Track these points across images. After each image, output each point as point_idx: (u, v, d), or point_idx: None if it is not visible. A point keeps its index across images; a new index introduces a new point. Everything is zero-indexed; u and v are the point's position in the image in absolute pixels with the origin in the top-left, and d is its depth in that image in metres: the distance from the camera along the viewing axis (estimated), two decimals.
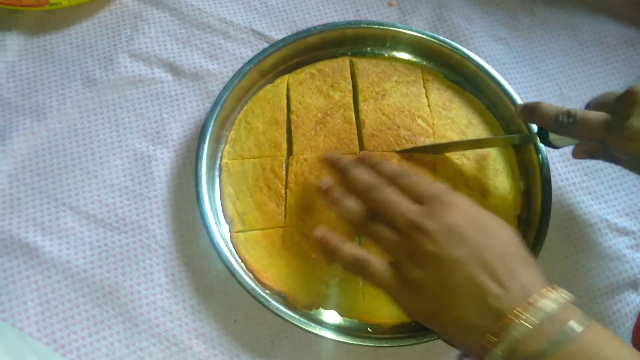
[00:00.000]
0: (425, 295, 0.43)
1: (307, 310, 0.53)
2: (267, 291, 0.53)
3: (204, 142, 0.57)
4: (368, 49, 0.65)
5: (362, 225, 0.48)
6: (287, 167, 0.58)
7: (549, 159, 0.58)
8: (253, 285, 0.52)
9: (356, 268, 0.46)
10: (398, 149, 0.58)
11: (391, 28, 0.63)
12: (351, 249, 0.47)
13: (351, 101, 0.61)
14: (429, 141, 0.59)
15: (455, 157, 0.58)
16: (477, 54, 0.63)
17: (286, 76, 0.62)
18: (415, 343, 0.51)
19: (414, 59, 0.65)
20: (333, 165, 0.52)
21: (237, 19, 0.68)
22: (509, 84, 0.61)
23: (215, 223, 0.55)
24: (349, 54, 0.64)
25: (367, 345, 0.51)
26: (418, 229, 0.43)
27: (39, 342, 0.52)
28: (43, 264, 0.54)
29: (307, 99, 0.61)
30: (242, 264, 0.54)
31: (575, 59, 0.70)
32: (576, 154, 0.57)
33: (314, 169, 0.57)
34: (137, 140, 0.61)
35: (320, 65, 0.63)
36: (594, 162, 0.63)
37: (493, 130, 0.61)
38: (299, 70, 0.63)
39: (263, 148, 0.58)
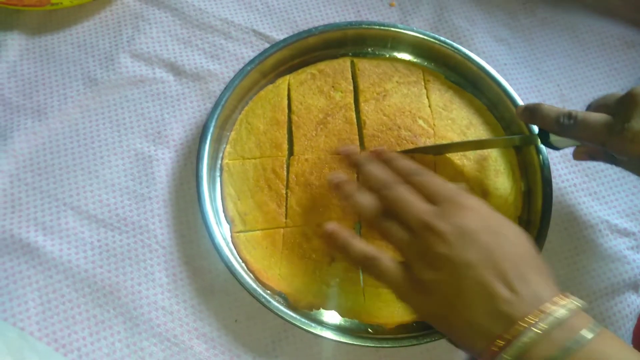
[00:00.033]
0: (435, 296, 0.43)
1: (308, 310, 0.53)
2: (268, 291, 0.53)
3: (205, 143, 0.57)
4: (369, 49, 0.65)
5: (374, 222, 0.47)
6: (288, 168, 0.58)
7: (549, 160, 0.58)
8: (254, 285, 0.52)
9: (366, 265, 0.46)
10: (399, 149, 0.58)
11: (392, 29, 0.63)
12: (361, 245, 0.47)
13: (352, 102, 0.61)
14: (429, 142, 0.59)
15: (456, 157, 0.58)
16: (478, 54, 0.63)
17: (287, 76, 0.62)
18: (416, 344, 0.51)
19: (415, 60, 0.65)
20: (347, 159, 0.53)
21: (238, 19, 0.68)
22: (510, 84, 0.61)
23: (216, 223, 0.55)
24: (350, 54, 0.64)
25: (367, 346, 0.51)
26: (430, 230, 0.43)
27: (40, 341, 0.52)
28: (44, 263, 0.55)
29: (308, 99, 0.61)
30: (243, 264, 0.54)
31: (576, 60, 0.70)
32: (577, 156, 0.57)
33: (314, 170, 0.57)
34: (138, 140, 0.61)
35: (322, 65, 0.63)
36: (595, 163, 0.63)
37: (494, 130, 0.61)
38: (300, 71, 0.63)
39: (264, 148, 0.59)
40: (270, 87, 0.62)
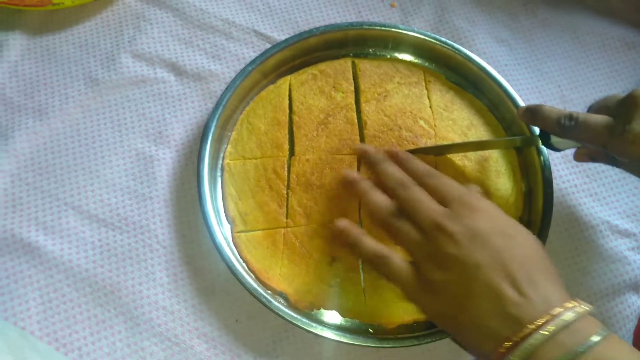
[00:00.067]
0: (443, 297, 0.43)
1: (309, 310, 0.53)
2: (269, 291, 0.53)
3: (206, 143, 0.57)
4: (370, 50, 0.65)
5: (386, 220, 0.48)
6: (288, 168, 0.58)
7: (550, 160, 0.58)
8: (254, 285, 0.52)
9: (376, 263, 0.47)
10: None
11: (393, 29, 0.64)
12: (372, 243, 0.48)
13: (353, 102, 0.61)
14: (430, 142, 0.59)
15: (457, 158, 0.58)
16: (479, 55, 0.63)
17: (288, 77, 0.62)
18: (417, 344, 0.51)
19: (416, 61, 0.65)
20: (365, 156, 0.53)
21: (239, 19, 0.68)
22: (511, 85, 0.61)
23: (217, 223, 0.55)
24: (351, 55, 0.65)
25: (368, 346, 0.51)
26: (442, 231, 0.44)
27: (41, 341, 0.52)
28: (45, 263, 0.55)
29: (309, 99, 0.61)
30: (244, 264, 0.54)
31: (577, 61, 0.70)
32: (578, 157, 0.57)
33: (315, 170, 0.57)
34: (139, 140, 0.61)
35: (323, 66, 0.63)
36: (596, 164, 0.63)
37: (494, 131, 0.62)
38: (301, 71, 0.63)
39: (265, 148, 0.59)
40: (271, 87, 0.62)
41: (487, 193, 0.57)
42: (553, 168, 0.58)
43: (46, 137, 0.60)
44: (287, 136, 0.59)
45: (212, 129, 0.57)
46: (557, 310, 0.39)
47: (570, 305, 0.39)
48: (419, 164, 0.51)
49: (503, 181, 0.58)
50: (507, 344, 0.39)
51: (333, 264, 0.54)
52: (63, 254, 0.55)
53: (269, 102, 0.61)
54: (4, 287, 0.53)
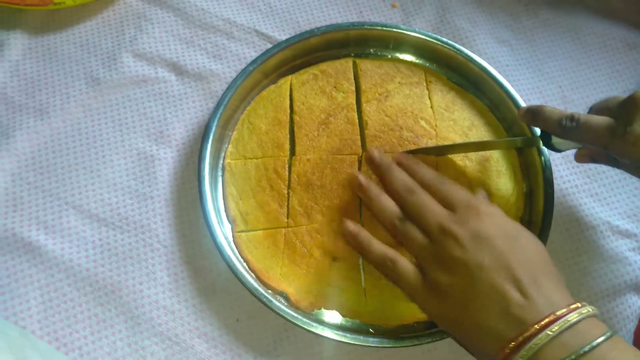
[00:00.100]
0: (449, 299, 0.44)
1: (309, 310, 0.53)
2: (269, 291, 0.53)
3: (207, 142, 0.57)
4: (371, 50, 0.65)
5: (394, 225, 0.50)
6: (289, 168, 0.58)
7: (551, 161, 0.58)
8: (255, 285, 0.52)
9: (383, 266, 0.48)
10: (401, 150, 0.58)
11: (394, 30, 0.64)
12: (380, 247, 0.49)
13: (354, 102, 0.61)
14: (431, 143, 0.59)
15: (458, 158, 0.58)
16: (480, 55, 0.63)
17: (289, 77, 0.62)
18: (417, 344, 0.51)
19: (417, 61, 0.65)
20: (375, 162, 0.54)
21: (240, 19, 0.68)
22: (512, 86, 0.61)
23: (218, 223, 0.55)
24: (352, 55, 0.65)
25: (368, 346, 0.51)
26: (447, 234, 0.45)
27: (41, 340, 0.52)
28: (46, 262, 0.55)
29: (310, 99, 0.61)
30: (245, 264, 0.54)
31: (578, 61, 0.70)
32: (579, 158, 0.57)
33: (316, 170, 0.57)
34: (140, 139, 0.61)
35: (324, 66, 0.63)
36: (596, 165, 0.63)
37: (495, 131, 0.62)
38: (302, 71, 0.63)
39: (266, 148, 0.59)
40: (272, 87, 0.62)
41: (489, 193, 0.57)
42: (554, 168, 0.58)
43: (47, 136, 0.60)
44: (288, 136, 0.59)
45: (213, 128, 0.57)
46: (561, 311, 0.39)
47: (574, 306, 0.40)
48: (426, 170, 0.52)
49: (504, 181, 0.58)
50: (512, 345, 0.39)
51: (334, 263, 0.54)
52: (64, 253, 0.55)
53: (270, 102, 0.61)
54: (4, 286, 0.53)
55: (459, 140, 0.60)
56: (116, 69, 0.63)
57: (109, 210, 0.57)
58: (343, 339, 0.51)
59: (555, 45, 0.70)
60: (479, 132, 0.61)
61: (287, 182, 0.57)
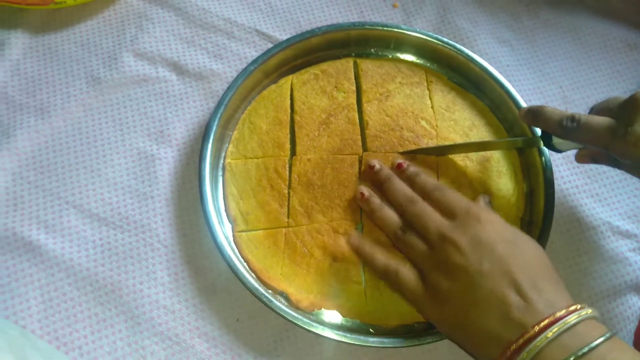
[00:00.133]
0: (450, 305, 0.45)
1: (309, 310, 0.53)
2: (270, 291, 0.53)
3: (208, 142, 0.57)
4: (372, 50, 0.65)
5: (396, 235, 0.51)
6: (290, 167, 0.58)
7: (552, 161, 0.58)
8: (255, 284, 0.52)
9: (386, 276, 0.50)
10: (401, 150, 0.58)
11: (395, 29, 0.64)
12: (383, 257, 0.51)
13: (355, 102, 0.61)
14: (432, 143, 0.59)
15: (459, 158, 0.58)
16: (481, 56, 0.63)
17: (290, 76, 0.62)
18: (418, 344, 0.51)
19: (417, 61, 0.65)
20: (375, 174, 0.56)
21: (241, 19, 0.68)
22: (513, 86, 0.61)
23: (218, 222, 0.55)
24: (353, 55, 0.64)
25: (369, 346, 0.51)
26: (448, 241, 0.46)
27: (42, 339, 0.52)
28: (46, 261, 0.55)
29: (311, 99, 0.61)
30: (245, 264, 0.54)
31: (579, 62, 0.70)
32: (579, 159, 0.57)
33: (317, 170, 0.57)
34: (140, 139, 0.61)
35: (324, 66, 0.63)
36: (597, 165, 0.63)
37: (496, 131, 0.61)
38: (303, 71, 0.63)
39: (266, 148, 0.59)
40: (273, 87, 0.62)
41: (489, 193, 0.57)
42: (554, 169, 0.58)
43: (48, 135, 0.60)
44: (289, 136, 0.59)
45: (214, 128, 0.57)
46: (561, 313, 0.40)
47: (573, 308, 0.40)
48: (426, 179, 0.53)
49: (505, 182, 0.58)
50: (512, 347, 0.39)
51: (334, 264, 0.54)
52: (64, 253, 0.55)
53: (271, 102, 0.61)
54: (4, 285, 0.53)
55: (459, 140, 0.60)
56: (117, 68, 0.63)
57: (109, 210, 0.57)
58: (343, 339, 0.51)
59: (556, 46, 0.70)
60: (480, 132, 0.61)
61: (287, 182, 0.57)
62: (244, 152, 0.59)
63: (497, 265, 0.44)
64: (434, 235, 0.47)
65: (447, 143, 0.59)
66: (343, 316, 0.53)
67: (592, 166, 0.63)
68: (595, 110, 0.52)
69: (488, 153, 0.59)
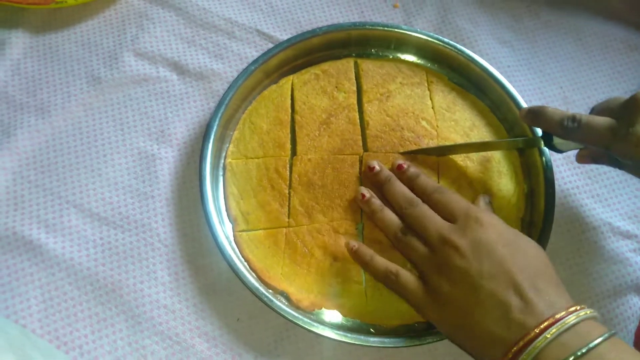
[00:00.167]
0: (451, 307, 0.45)
1: (310, 310, 0.53)
2: (270, 290, 0.53)
3: (208, 142, 0.57)
4: (373, 50, 0.65)
5: (396, 237, 0.51)
6: (290, 167, 0.58)
7: (552, 162, 0.58)
8: (256, 284, 0.52)
9: (386, 279, 0.50)
10: (402, 150, 0.58)
11: (396, 30, 0.64)
12: (382, 262, 0.51)
13: (355, 102, 0.61)
14: (432, 143, 0.59)
15: (459, 159, 0.58)
16: (482, 56, 0.63)
17: (291, 76, 0.62)
18: (418, 344, 0.51)
19: (418, 61, 0.65)
20: (375, 175, 0.55)
21: (242, 19, 0.68)
22: (513, 86, 0.61)
23: (219, 222, 0.55)
24: (354, 55, 0.64)
25: (369, 346, 0.51)
26: (448, 244, 0.46)
27: (42, 339, 0.52)
28: (46, 261, 0.55)
29: (312, 99, 0.61)
30: (245, 263, 0.54)
31: (580, 62, 0.70)
32: (580, 159, 0.57)
33: (317, 170, 0.57)
34: (141, 138, 0.61)
35: (325, 66, 0.63)
36: (598, 165, 0.63)
37: (496, 132, 0.62)
38: (303, 71, 0.63)
39: (267, 148, 0.59)
40: (273, 87, 0.62)
41: (490, 194, 0.57)
42: (555, 169, 0.58)
43: (48, 135, 0.60)
44: (289, 136, 0.59)
45: (215, 128, 0.57)
46: (561, 314, 0.40)
47: (573, 309, 0.40)
48: (427, 180, 0.53)
49: (505, 182, 0.58)
50: (514, 349, 0.39)
51: (334, 263, 0.54)
52: (64, 252, 0.55)
53: (272, 102, 0.61)
54: (5, 284, 0.53)
55: (460, 140, 0.60)
56: (117, 68, 0.63)
57: (109, 209, 0.57)
58: (344, 339, 0.51)
59: (556, 46, 0.71)
60: (480, 132, 0.61)
61: (288, 182, 0.57)
62: (244, 151, 0.59)
63: (498, 267, 0.44)
64: (434, 237, 0.48)
65: (447, 143, 0.59)
66: (343, 316, 0.53)
67: (593, 167, 0.63)
68: (596, 110, 0.52)
69: (489, 153, 0.59)
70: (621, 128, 0.45)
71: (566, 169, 0.63)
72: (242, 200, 0.57)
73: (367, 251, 0.52)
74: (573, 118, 0.48)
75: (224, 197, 0.57)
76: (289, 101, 0.61)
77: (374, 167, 0.55)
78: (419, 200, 0.51)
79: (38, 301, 0.53)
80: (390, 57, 0.65)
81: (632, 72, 0.70)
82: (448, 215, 0.49)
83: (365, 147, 0.59)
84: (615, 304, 0.57)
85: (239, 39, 0.67)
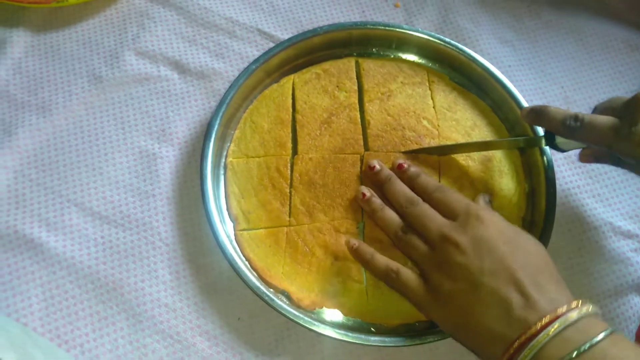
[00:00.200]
0: (452, 305, 0.45)
1: (311, 309, 0.53)
2: (271, 290, 0.53)
3: (210, 141, 0.57)
4: (374, 49, 0.65)
5: (397, 235, 0.51)
6: (291, 167, 0.58)
7: (553, 161, 0.58)
8: (257, 283, 0.52)
9: (387, 278, 0.50)
10: (403, 149, 0.58)
11: (397, 29, 0.64)
12: (383, 260, 0.51)
13: (356, 101, 0.61)
14: (434, 142, 0.59)
15: (461, 158, 0.58)
16: (483, 56, 0.63)
17: (292, 76, 0.62)
18: (419, 343, 0.51)
19: (419, 61, 0.65)
20: (375, 174, 0.55)
21: (243, 18, 0.68)
22: (514, 86, 0.61)
23: (220, 221, 0.55)
24: (355, 54, 0.65)
25: (370, 345, 0.51)
26: (449, 241, 0.46)
27: (43, 337, 0.52)
28: (48, 259, 0.55)
29: (313, 98, 0.61)
30: (247, 262, 0.54)
31: (580, 62, 0.70)
32: (583, 158, 0.57)
33: (318, 169, 0.57)
34: (142, 137, 0.61)
35: (326, 65, 0.63)
36: (598, 165, 0.63)
37: (498, 131, 0.62)
38: (304, 70, 0.63)
39: (268, 147, 0.59)
40: (274, 86, 0.62)
41: (491, 193, 0.57)
42: (556, 169, 0.58)
43: (49, 134, 0.60)
44: (290, 135, 0.59)
45: (216, 127, 0.57)
46: (562, 309, 0.40)
47: (574, 305, 0.40)
48: (427, 180, 0.53)
49: (506, 181, 0.58)
50: (515, 345, 0.39)
51: (335, 262, 0.54)
52: (66, 251, 0.55)
53: (273, 101, 0.61)
54: (6, 283, 0.53)
55: (461, 140, 0.60)
56: (118, 67, 0.63)
57: (110, 208, 0.57)
58: (344, 338, 0.51)
59: (557, 46, 0.71)
60: (482, 132, 0.61)
61: (289, 181, 0.57)
62: (245, 151, 0.59)
63: (499, 263, 0.44)
64: (435, 235, 0.48)
65: (449, 143, 0.59)
66: (344, 315, 0.53)
67: (594, 166, 0.63)
68: (598, 110, 0.52)
69: (490, 153, 0.59)
70: (624, 127, 0.45)
71: (567, 168, 0.63)
72: (243, 199, 0.57)
73: (368, 249, 0.52)
74: (575, 117, 0.48)
75: (225, 196, 0.57)
76: (290, 100, 0.61)
77: (374, 167, 0.55)
78: (419, 199, 0.51)
79: (39, 300, 0.53)
80: (392, 56, 0.65)
81: (633, 72, 0.70)
82: (449, 214, 0.49)
83: (367, 147, 0.59)
84: (616, 304, 0.57)
85: (240, 38, 0.67)
